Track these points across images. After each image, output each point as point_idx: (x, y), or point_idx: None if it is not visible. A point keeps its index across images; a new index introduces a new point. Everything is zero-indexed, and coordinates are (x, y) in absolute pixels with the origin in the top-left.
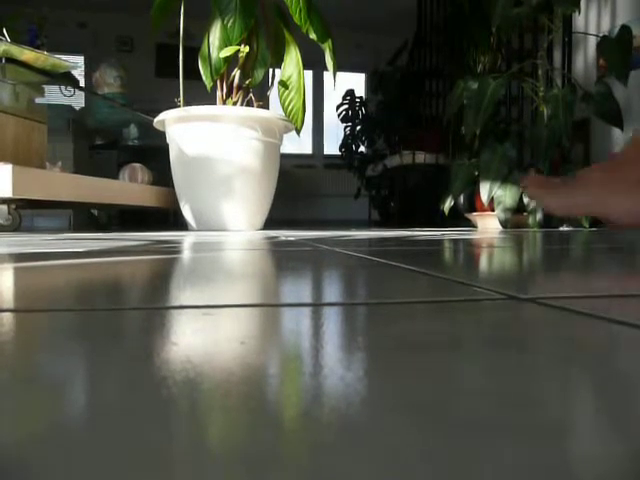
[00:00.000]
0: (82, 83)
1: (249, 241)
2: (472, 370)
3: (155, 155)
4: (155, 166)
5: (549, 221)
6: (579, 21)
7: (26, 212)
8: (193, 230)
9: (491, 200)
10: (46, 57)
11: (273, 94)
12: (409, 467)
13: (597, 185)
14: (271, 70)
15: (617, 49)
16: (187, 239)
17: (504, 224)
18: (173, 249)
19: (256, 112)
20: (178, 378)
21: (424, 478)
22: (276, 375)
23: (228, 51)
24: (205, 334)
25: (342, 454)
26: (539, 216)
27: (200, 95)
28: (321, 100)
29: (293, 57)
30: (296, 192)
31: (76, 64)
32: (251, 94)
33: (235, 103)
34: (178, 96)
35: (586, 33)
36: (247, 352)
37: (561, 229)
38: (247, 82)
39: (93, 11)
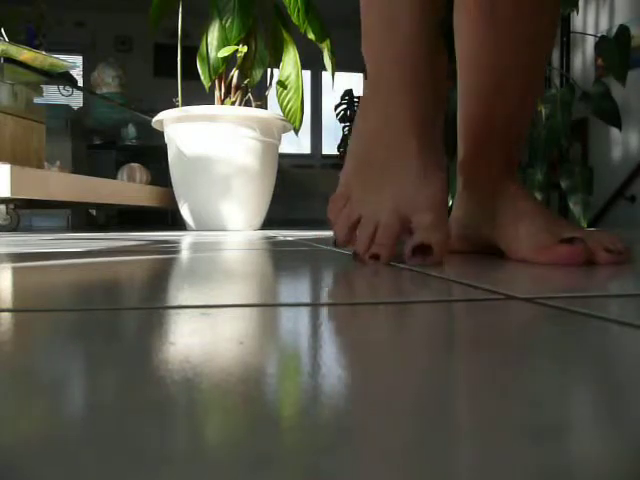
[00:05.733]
0: (80, 83)
1: (247, 241)
2: (468, 370)
3: (153, 155)
4: (153, 166)
5: None
6: (577, 21)
7: (24, 212)
8: (191, 230)
9: None
10: (44, 57)
11: (271, 94)
12: (406, 466)
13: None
14: (269, 70)
15: (615, 49)
16: (185, 239)
17: None
18: (171, 249)
19: (254, 112)
20: (176, 378)
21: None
22: (275, 375)
23: (226, 51)
24: (203, 334)
25: (341, 453)
26: None
27: (198, 95)
28: (319, 100)
29: (291, 57)
30: (294, 192)
31: (74, 64)
32: (249, 94)
33: (233, 103)
34: (176, 96)
35: (584, 33)
36: (246, 352)
37: None
38: (245, 82)
39: (92, 10)
